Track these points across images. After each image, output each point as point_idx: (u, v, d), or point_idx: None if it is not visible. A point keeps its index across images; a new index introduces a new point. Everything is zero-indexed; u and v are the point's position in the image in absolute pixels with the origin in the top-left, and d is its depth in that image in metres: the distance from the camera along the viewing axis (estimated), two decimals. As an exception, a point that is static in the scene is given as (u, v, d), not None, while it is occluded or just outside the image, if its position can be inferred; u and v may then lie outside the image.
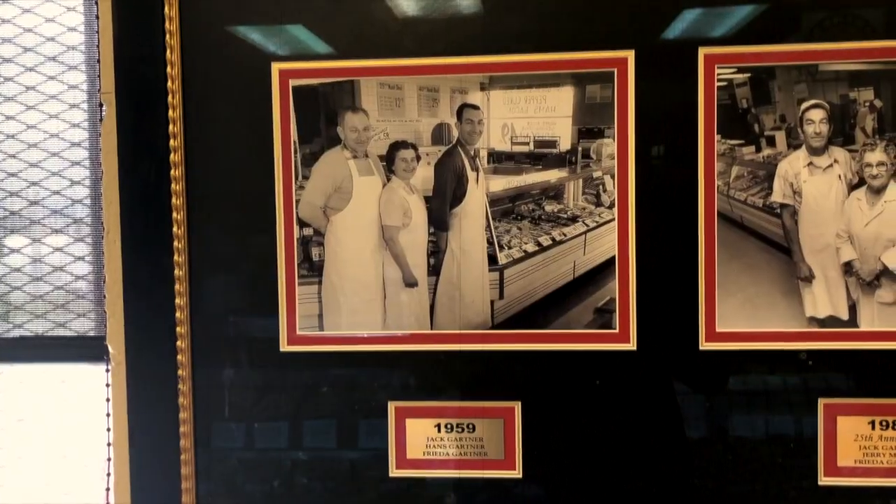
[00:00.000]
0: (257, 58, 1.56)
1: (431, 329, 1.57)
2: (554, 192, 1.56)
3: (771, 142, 1.52)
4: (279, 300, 1.57)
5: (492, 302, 1.56)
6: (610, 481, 1.56)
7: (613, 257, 1.53)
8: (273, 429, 1.60)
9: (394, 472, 1.59)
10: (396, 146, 1.56)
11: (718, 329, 1.52)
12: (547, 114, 1.54)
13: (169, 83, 1.56)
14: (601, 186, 1.54)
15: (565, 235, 1.57)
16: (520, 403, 1.57)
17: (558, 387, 1.56)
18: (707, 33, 1.50)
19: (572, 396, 1.56)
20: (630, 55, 1.51)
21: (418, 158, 1.56)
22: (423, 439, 1.58)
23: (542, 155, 1.55)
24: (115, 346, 1.61)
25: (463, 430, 1.58)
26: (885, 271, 1.51)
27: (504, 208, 1.57)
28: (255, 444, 1.60)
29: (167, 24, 1.55)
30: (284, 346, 1.58)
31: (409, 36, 1.54)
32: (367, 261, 1.57)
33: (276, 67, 1.56)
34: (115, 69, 1.58)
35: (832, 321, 1.52)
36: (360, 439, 1.59)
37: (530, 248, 1.57)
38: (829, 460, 1.53)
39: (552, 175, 1.56)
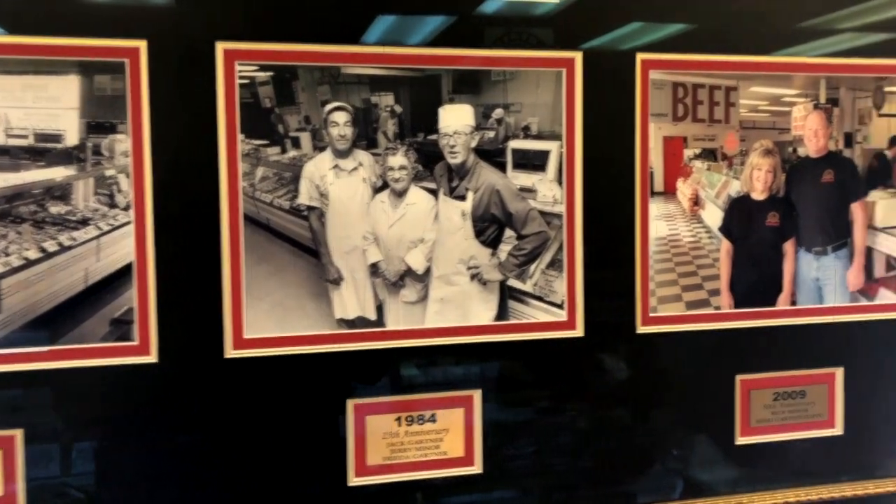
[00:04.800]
0: None
1: None
2: (60, 192, 1.40)
3: (296, 143, 1.50)
4: None
5: (-13, 317, 1.37)
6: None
7: (131, 263, 1.41)
8: None
9: None
10: None
11: (246, 336, 1.47)
12: (49, 104, 1.38)
13: None
14: (115, 186, 1.41)
15: (75, 240, 1.41)
16: (21, 431, 1.39)
17: (69, 409, 1.41)
18: (226, 28, 1.44)
19: (88, 417, 1.42)
20: (142, 45, 1.39)
21: None
22: None
23: (44, 150, 1.38)
24: None
25: (-50, 467, 1.36)
26: (408, 272, 1.56)
27: (-1, 210, 1.38)
28: None
29: None
30: None
31: None
32: None
33: None
34: None
35: (361, 322, 1.54)
36: None
37: (33, 254, 1.39)
38: (360, 460, 1.54)
39: (57, 173, 1.39)
